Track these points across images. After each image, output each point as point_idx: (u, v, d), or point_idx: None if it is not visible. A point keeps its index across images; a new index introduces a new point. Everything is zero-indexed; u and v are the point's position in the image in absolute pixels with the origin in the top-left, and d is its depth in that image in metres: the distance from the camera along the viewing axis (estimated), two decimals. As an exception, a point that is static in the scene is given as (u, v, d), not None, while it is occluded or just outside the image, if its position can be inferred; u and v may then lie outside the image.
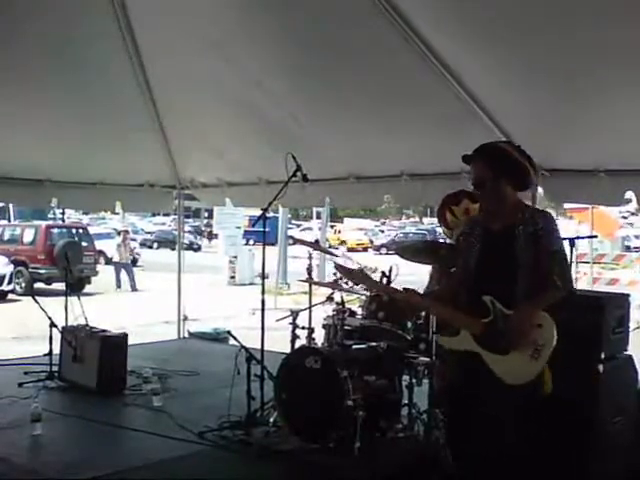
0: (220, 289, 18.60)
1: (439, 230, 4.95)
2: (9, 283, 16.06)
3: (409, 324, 4.62)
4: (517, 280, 3.22)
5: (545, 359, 3.11)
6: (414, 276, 5.37)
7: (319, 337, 5.00)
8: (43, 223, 19.92)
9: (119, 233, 19.74)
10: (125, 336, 5.92)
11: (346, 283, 4.76)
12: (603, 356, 3.96)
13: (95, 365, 5.65)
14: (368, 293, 4.89)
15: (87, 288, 16.42)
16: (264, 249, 4.98)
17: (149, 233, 38.90)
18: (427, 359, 4.34)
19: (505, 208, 3.33)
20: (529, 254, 3.21)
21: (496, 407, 3.19)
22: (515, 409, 3.16)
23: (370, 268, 4.59)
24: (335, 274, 4.12)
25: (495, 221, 3.35)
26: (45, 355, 6.03)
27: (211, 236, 34.71)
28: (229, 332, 5.46)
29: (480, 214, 3.62)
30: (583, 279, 11.27)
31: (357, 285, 4.69)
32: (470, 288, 3.36)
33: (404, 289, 3.53)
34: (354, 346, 4.67)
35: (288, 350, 4.88)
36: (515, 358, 3.14)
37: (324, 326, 4.99)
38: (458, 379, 3.42)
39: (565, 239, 3.71)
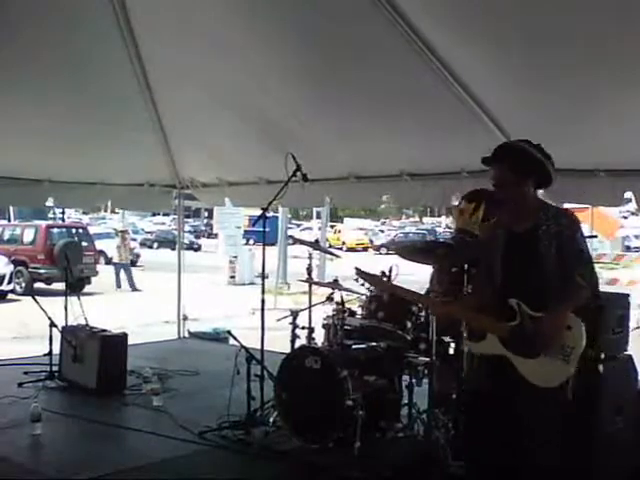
0: (220, 289, 18.59)
1: (439, 230, 4.95)
2: (9, 283, 16.05)
3: (409, 324, 4.62)
4: (542, 282, 3.17)
5: (576, 361, 3.08)
6: (414, 276, 5.36)
7: (319, 337, 5.00)
8: (43, 223, 19.90)
9: (118, 234, 19.71)
10: (125, 336, 5.92)
11: (369, 290, 4.72)
12: (603, 356, 3.95)
13: (95, 365, 5.65)
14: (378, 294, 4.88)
15: (87, 288, 16.40)
16: (264, 249, 4.99)
17: (149, 233, 38.91)
18: (427, 359, 4.34)
19: (527, 208, 3.28)
20: (553, 255, 3.16)
21: (526, 411, 3.14)
22: (545, 412, 3.12)
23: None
24: (357, 280, 4.06)
25: (518, 222, 3.30)
26: (45, 355, 6.03)
27: (210, 235, 34.73)
28: (229, 332, 5.47)
29: (502, 217, 3.52)
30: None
31: (381, 292, 4.65)
32: (495, 291, 3.30)
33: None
34: (354, 346, 4.67)
35: (288, 350, 4.89)
36: (545, 361, 3.10)
37: (324, 326, 5.00)
38: (486, 384, 3.33)
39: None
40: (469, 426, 3.66)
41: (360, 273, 3.99)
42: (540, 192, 3.53)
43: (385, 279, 4.38)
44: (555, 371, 3.09)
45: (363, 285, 4.46)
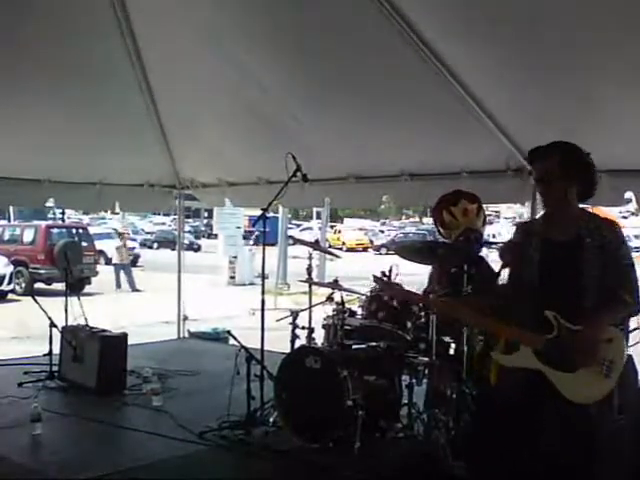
0: (220, 289, 18.59)
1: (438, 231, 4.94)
2: (9, 283, 16.06)
3: (409, 324, 4.62)
4: (583, 295, 3.00)
5: (617, 375, 2.96)
6: (414, 276, 5.36)
7: (319, 337, 5.00)
8: (43, 223, 19.91)
9: (119, 235, 19.72)
10: (125, 336, 5.92)
11: (389, 298, 4.65)
12: (603, 356, 3.94)
13: (95, 365, 5.65)
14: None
15: (87, 288, 16.41)
16: (264, 249, 4.99)
17: (149, 233, 38.92)
18: (427, 359, 4.35)
19: (569, 216, 3.10)
20: (596, 268, 2.99)
21: (562, 426, 3.02)
22: (582, 428, 3.00)
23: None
24: (375, 287, 3.99)
25: (557, 231, 3.11)
26: (45, 355, 6.03)
27: (210, 235, 34.71)
28: (229, 332, 5.47)
29: (535, 222, 3.35)
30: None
31: (399, 300, 4.56)
32: (526, 302, 3.11)
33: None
34: (354, 346, 4.67)
35: (288, 350, 4.89)
36: (584, 376, 2.95)
37: (324, 326, 5.00)
38: (518, 398, 3.11)
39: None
40: (489, 435, 3.41)
41: (378, 280, 3.92)
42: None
43: (402, 288, 4.24)
44: (594, 386, 2.96)
45: (382, 292, 4.40)
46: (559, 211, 3.14)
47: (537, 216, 3.39)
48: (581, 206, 3.20)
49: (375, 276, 3.95)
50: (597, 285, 3.00)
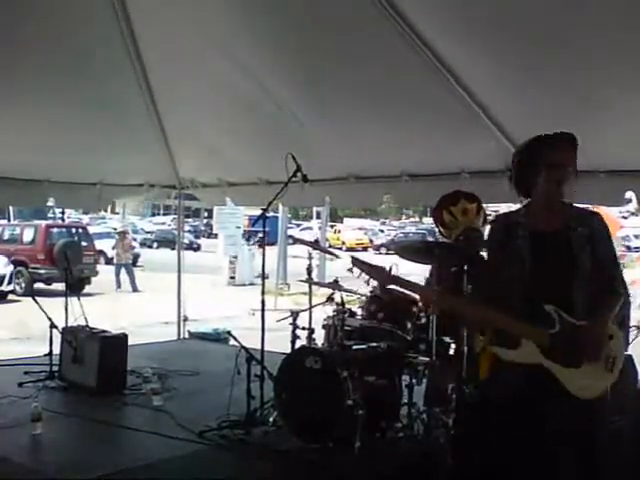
0: (220, 289, 18.59)
1: (438, 231, 4.94)
2: (9, 283, 16.06)
3: (409, 324, 4.63)
4: (576, 287, 2.96)
5: (618, 370, 2.97)
6: (414, 276, 5.34)
7: (319, 337, 5.01)
8: (43, 223, 19.89)
9: (120, 233, 19.73)
10: (125, 336, 5.92)
11: (367, 282, 4.55)
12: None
13: (95, 365, 5.65)
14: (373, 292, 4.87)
15: (87, 288, 16.41)
16: (264, 249, 4.99)
17: (149, 233, 38.91)
18: (427, 359, 4.35)
19: (554, 207, 3.04)
20: (586, 258, 2.95)
21: (567, 422, 2.96)
22: (586, 424, 2.96)
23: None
24: (351, 270, 3.80)
25: (544, 223, 3.04)
26: (45, 355, 6.04)
27: (210, 235, 34.69)
28: (229, 332, 5.47)
29: (517, 214, 3.23)
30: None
31: (379, 283, 4.41)
32: (519, 296, 3.03)
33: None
34: (354, 346, 4.67)
35: (288, 350, 4.89)
36: (589, 371, 2.93)
37: (324, 326, 5.00)
38: (521, 394, 3.01)
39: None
40: (483, 433, 3.34)
41: (356, 262, 3.63)
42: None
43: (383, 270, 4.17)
44: (598, 381, 2.96)
45: (359, 277, 4.22)
46: (549, 203, 3.06)
47: (513, 208, 3.32)
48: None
49: (353, 257, 3.75)
50: (588, 276, 2.97)
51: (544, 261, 3.00)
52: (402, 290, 4.02)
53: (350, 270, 3.71)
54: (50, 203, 7.42)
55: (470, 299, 3.42)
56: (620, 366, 2.99)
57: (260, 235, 24.92)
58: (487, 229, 4.18)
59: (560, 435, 2.97)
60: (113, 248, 18.65)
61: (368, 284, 4.58)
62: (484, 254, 4.64)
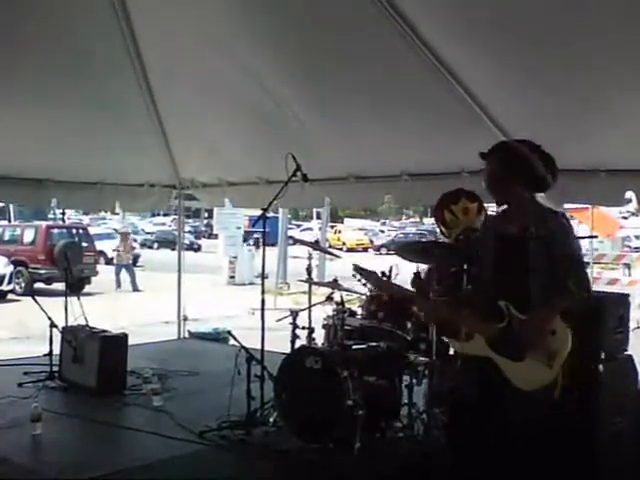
0: (220, 289, 18.59)
1: (439, 230, 4.94)
2: (9, 283, 16.06)
3: (409, 324, 4.62)
4: (531, 285, 3.14)
5: (559, 366, 3.07)
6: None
7: (319, 337, 5.00)
8: (43, 223, 19.91)
9: (121, 234, 19.74)
10: (125, 336, 5.92)
11: (364, 285, 4.64)
12: (603, 356, 3.95)
13: (95, 365, 5.64)
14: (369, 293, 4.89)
15: (87, 288, 16.41)
16: (264, 249, 4.99)
17: (149, 233, 38.90)
18: (427, 359, 4.35)
19: (520, 211, 3.25)
20: (542, 258, 3.13)
21: (507, 413, 3.13)
22: (527, 415, 3.09)
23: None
24: (354, 275, 3.96)
25: (509, 224, 3.26)
26: (45, 355, 6.04)
27: (210, 235, 34.67)
28: (229, 332, 5.47)
29: (493, 217, 3.54)
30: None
31: (378, 290, 4.61)
32: (486, 293, 3.27)
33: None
34: (354, 346, 4.67)
35: (288, 350, 4.89)
36: (529, 364, 3.09)
37: (324, 326, 5.00)
38: (469, 385, 3.28)
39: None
40: (453, 423, 3.62)
41: (358, 269, 3.90)
42: (541, 194, 3.48)
43: (383, 278, 4.34)
44: (538, 375, 3.08)
45: (360, 281, 4.35)
46: (513, 206, 3.29)
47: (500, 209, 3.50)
48: (541, 200, 3.37)
49: (355, 265, 3.89)
50: (543, 275, 3.13)
51: (503, 261, 3.22)
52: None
53: (354, 275, 3.96)
54: (52, 204, 7.42)
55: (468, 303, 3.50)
56: (562, 361, 3.08)
57: (255, 236, 25.05)
58: None
59: (509, 427, 3.11)
60: (115, 250, 18.64)
61: (366, 286, 4.63)
62: None
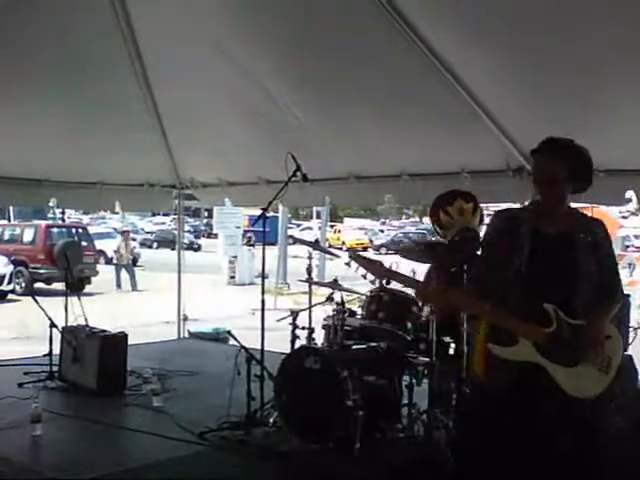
0: (220, 289, 18.58)
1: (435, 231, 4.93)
2: (9, 283, 16.05)
3: (409, 324, 4.62)
4: (577, 290, 3.02)
5: (614, 372, 3.00)
6: (414, 275, 5.35)
7: (319, 337, 5.00)
8: (43, 223, 19.92)
9: (122, 233, 19.73)
10: (125, 336, 5.91)
11: (364, 276, 4.54)
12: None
13: (95, 365, 5.64)
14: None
15: (87, 288, 16.40)
16: (264, 249, 4.99)
17: (149, 233, 38.89)
18: (427, 359, 4.34)
19: (560, 211, 3.11)
20: (589, 263, 3.04)
21: (557, 421, 3.00)
22: (579, 422, 2.99)
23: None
24: (348, 264, 3.77)
25: (548, 224, 3.09)
26: (45, 355, 6.03)
27: (210, 235, 34.64)
28: (229, 332, 5.46)
29: (520, 211, 3.32)
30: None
31: (377, 277, 4.41)
32: (515, 291, 3.05)
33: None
34: (354, 346, 4.67)
35: (288, 350, 4.88)
36: (584, 371, 2.97)
37: (324, 326, 4.99)
38: (513, 391, 3.03)
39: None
40: (477, 431, 3.26)
41: (353, 256, 3.66)
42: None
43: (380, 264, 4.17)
44: (593, 381, 2.99)
45: (356, 271, 4.19)
46: (557, 207, 3.12)
47: (517, 205, 3.39)
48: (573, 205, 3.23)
49: (350, 251, 3.78)
50: (590, 280, 3.04)
51: (544, 261, 3.04)
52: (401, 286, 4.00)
53: (348, 264, 3.71)
54: (50, 203, 7.42)
55: (468, 292, 3.39)
56: (616, 368, 3.01)
57: (248, 235, 25.01)
58: (485, 227, 4.19)
59: (555, 433, 2.98)
60: (115, 251, 18.62)
61: (365, 278, 4.56)
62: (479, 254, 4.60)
